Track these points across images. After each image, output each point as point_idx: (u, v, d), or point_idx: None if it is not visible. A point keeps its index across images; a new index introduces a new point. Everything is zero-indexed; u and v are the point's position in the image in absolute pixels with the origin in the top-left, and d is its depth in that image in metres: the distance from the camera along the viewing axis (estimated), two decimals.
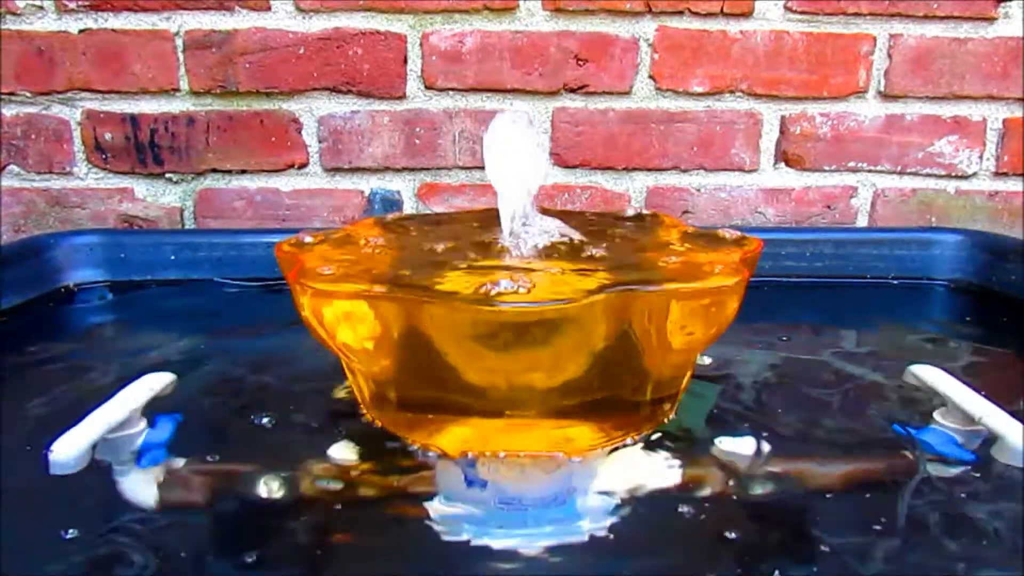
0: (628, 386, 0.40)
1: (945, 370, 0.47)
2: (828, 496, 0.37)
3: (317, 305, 0.39)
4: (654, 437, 0.41)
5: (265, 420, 0.44)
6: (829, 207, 0.83)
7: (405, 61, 0.77)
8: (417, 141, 0.79)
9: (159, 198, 0.80)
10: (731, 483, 0.37)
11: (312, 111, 0.78)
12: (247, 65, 0.76)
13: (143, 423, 0.42)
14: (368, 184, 0.81)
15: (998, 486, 0.37)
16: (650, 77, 0.79)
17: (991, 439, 0.40)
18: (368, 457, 0.40)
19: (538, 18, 0.77)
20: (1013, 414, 0.40)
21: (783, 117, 0.80)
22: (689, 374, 0.44)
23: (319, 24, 0.76)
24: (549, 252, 0.44)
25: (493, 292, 0.35)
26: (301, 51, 0.76)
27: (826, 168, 0.82)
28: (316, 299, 0.38)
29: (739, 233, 0.47)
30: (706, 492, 0.37)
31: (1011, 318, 0.66)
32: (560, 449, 0.39)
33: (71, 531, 0.33)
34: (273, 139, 0.79)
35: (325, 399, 0.47)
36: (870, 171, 0.82)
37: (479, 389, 0.38)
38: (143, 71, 0.76)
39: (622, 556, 0.32)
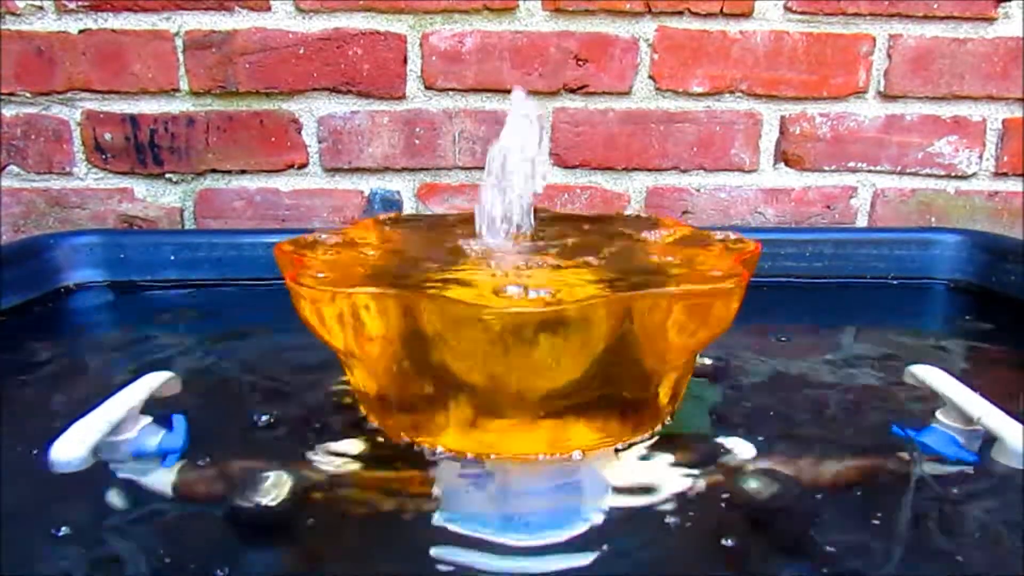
0: (628, 387, 0.40)
1: (944, 370, 0.47)
2: (828, 496, 0.37)
3: (316, 306, 0.39)
4: (654, 437, 0.41)
5: (264, 420, 0.44)
6: (829, 207, 0.83)
7: (405, 61, 0.77)
8: (417, 141, 0.79)
9: (159, 198, 0.80)
10: (731, 483, 0.37)
11: (312, 111, 0.78)
12: (247, 65, 0.76)
13: (146, 423, 0.42)
14: (368, 184, 0.81)
15: (998, 486, 0.37)
16: (650, 77, 0.79)
17: (990, 439, 0.40)
18: (367, 457, 0.40)
19: (538, 18, 0.77)
20: (1012, 414, 0.40)
21: (783, 117, 0.80)
22: (689, 374, 0.44)
23: (319, 24, 0.76)
24: (548, 254, 0.44)
25: (496, 292, 0.35)
26: (301, 51, 0.76)
27: (826, 168, 0.82)
28: (315, 300, 0.38)
29: (739, 234, 0.47)
30: (706, 492, 0.37)
31: (1010, 318, 0.66)
32: (560, 449, 0.39)
33: (66, 530, 0.33)
34: (273, 139, 0.79)
35: (325, 399, 0.47)
36: (870, 171, 0.82)
37: (479, 389, 0.38)
38: (143, 71, 0.76)
39: (622, 556, 0.32)
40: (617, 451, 0.40)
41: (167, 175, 0.80)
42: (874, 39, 0.78)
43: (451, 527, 0.34)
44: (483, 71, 0.77)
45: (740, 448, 0.40)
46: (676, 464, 0.39)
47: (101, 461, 0.38)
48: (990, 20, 0.78)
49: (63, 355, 0.57)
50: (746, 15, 0.77)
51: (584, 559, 0.32)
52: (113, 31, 0.75)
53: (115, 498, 0.36)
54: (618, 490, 0.37)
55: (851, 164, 0.82)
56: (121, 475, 0.37)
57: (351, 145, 0.79)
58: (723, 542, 0.33)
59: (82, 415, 0.40)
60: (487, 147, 0.79)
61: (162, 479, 0.37)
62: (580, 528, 0.34)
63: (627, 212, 0.82)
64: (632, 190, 0.82)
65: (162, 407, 0.44)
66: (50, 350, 0.57)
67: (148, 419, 0.42)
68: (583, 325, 0.36)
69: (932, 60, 0.79)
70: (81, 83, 0.76)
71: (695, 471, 0.38)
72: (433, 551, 0.32)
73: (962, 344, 0.59)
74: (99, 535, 0.33)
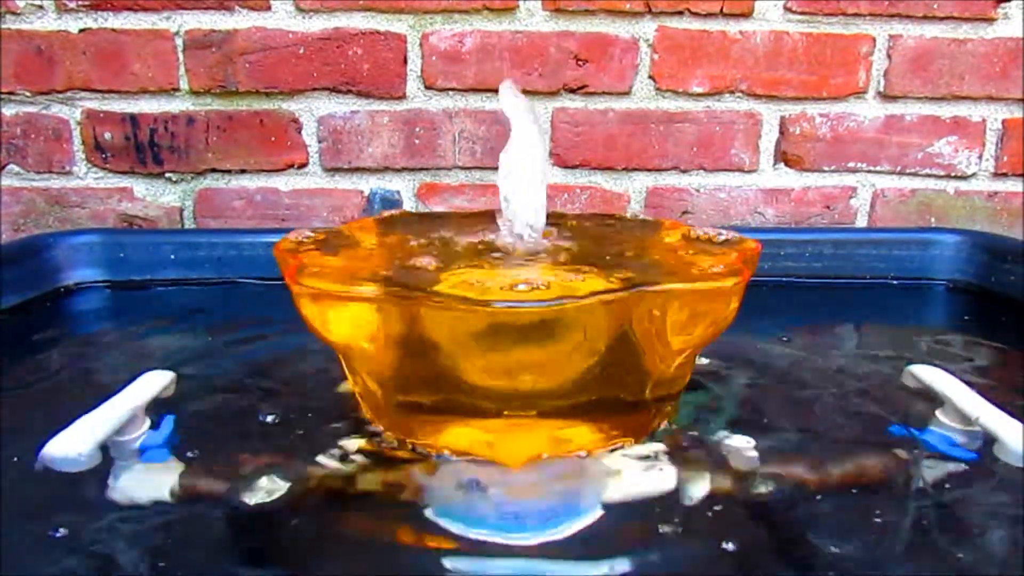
0: (628, 386, 0.40)
1: (944, 370, 0.47)
2: (827, 496, 0.37)
3: (316, 305, 0.39)
4: (654, 437, 0.41)
5: (264, 420, 0.44)
6: (828, 207, 0.83)
7: (405, 61, 0.77)
8: (417, 141, 0.79)
9: (159, 198, 0.80)
10: (731, 483, 0.37)
11: (312, 111, 0.78)
12: (247, 65, 0.76)
13: (146, 422, 0.42)
14: (368, 184, 0.81)
15: (997, 486, 0.37)
16: (650, 77, 0.79)
17: (990, 439, 0.40)
18: (367, 457, 0.40)
19: (538, 18, 0.77)
20: (1012, 414, 0.40)
21: (782, 117, 0.80)
22: (689, 374, 0.44)
23: (319, 24, 0.76)
24: (548, 254, 0.44)
25: (496, 291, 0.35)
26: (301, 51, 0.76)
27: (825, 168, 0.82)
28: (315, 299, 0.38)
29: (738, 235, 0.47)
30: (706, 492, 0.37)
31: (1010, 318, 0.66)
32: (560, 449, 0.39)
33: (63, 530, 0.33)
34: (273, 139, 0.79)
35: (325, 399, 0.47)
36: (869, 171, 0.82)
37: (479, 389, 0.38)
38: (143, 71, 0.76)
39: (621, 556, 0.32)
40: (617, 451, 0.40)
41: (167, 174, 0.80)
42: (874, 39, 0.78)
43: (451, 527, 0.34)
44: (483, 71, 0.77)
45: (740, 448, 0.40)
46: (676, 464, 0.39)
47: (100, 461, 0.38)
48: (990, 20, 0.78)
49: (63, 355, 0.57)
50: (746, 15, 0.77)
51: (584, 559, 0.32)
52: (113, 30, 0.75)
53: (114, 498, 0.36)
54: (618, 491, 0.37)
55: (851, 164, 0.82)
56: (120, 474, 0.37)
57: (351, 145, 0.79)
58: (723, 542, 0.33)
59: (82, 415, 0.40)
60: (487, 147, 0.79)
61: (161, 479, 0.37)
62: (580, 529, 0.34)
63: (626, 212, 0.82)
64: (632, 190, 0.82)
65: (162, 407, 0.44)
66: (50, 350, 0.57)
67: (146, 419, 0.42)
68: (582, 325, 0.36)
69: (932, 60, 0.79)
70: (81, 82, 0.76)
71: (695, 471, 0.38)
72: (433, 552, 0.32)
73: (962, 344, 0.59)
74: (97, 535, 0.33)
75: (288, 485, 0.37)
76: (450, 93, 0.78)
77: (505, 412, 0.39)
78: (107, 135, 0.78)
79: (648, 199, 0.82)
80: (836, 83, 0.79)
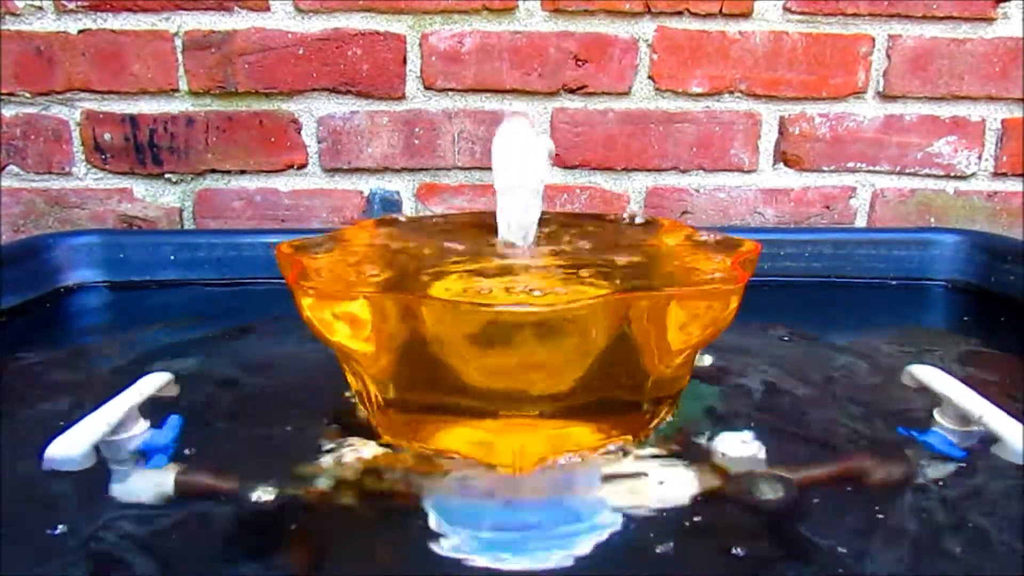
0: (627, 387, 0.40)
1: (944, 370, 0.47)
2: (827, 496, 0.37)
3: (317, 306, 0.39)
4: (653, 438, 0.41)
5: (264, 420, 0.44)
6: (828, 207, 0.83)
7: (404, 61, 0.77)
8: (416, 141, 0.80)
9: (158, 198, 0.80)
10: (730, 483, 0.37)
11: (311, 111, 0.78)
12: (246, 65, 0.76)
13: (145, 423, 0.42)
14: (367, 184, 0.81)
15: (997, 487, 0.37)
16: (649, 78, 0.79)
17: (990, 439, 0.40)
18: (367, 458, 0.40)
19: (537, 18, 0.77)
20: (1012, 414, 0.40)
21: (782, 118, 0.80)
22: (688, 375, 0.44)
23: (318, 24, 0.76)
24: (548, 254, 0.44)
25: (495, 292, 0.35)
26: (300, 51, 0.76)
27: (825, 168, 0.82)
28: (316, 300, 0.38)
29: (737, 236, 0.47)
30: (705, 492, 0.37)
31: (1009, 318, 0.66)
32: (560, 450, 0.39)
33: (63, 527, 0.33)
34: (272, 139, 0.79)
35: (325, 400, 0.47)
36: (869, 171, 0.82)
37: (478, 390, 0.38)
38: (142, 71, 0.76)
39: (620, 556, 0.32)
40: (617, 452, 0.40)
41: (166, 175, 0.80)
42: (873, 39, 0.78)
43: (451, 528, 0.34)
44: (483, 71, 0.77)
45: (739, 448, 0.40)
46: (676, 465, 0.39)
47: (100, 461, 0.38)
48: (989, 20, 0.78)
49: (63, 355, 0.57)
50: (745, 15, 0.77)
51: (583, 560, 0.32)
52: (112, 31, 0.75)
53: (113, 498, 0.36)
54: (618, 491, 0.37)
55: (850, 164, 0.82)
56: (119, 475, 0.37)
57: (350, 145, 0.79)
58: (722, 543, 0.33)
59: (82, 415, 0.40)
60: (487, 147, 0.79)
61: (160, 480, 0.37)
62: (579, 530, 0.34)
63: (625, 213, 0.82)
64: (631, 190, 0.82)
65: (161, 408, 0.44)
66: (50, 350, 0.57)
67: (146, 421, 0.42)
68: (581, 326, 0.36)
69: (931, 60, 0.79)
70: (81, 83, 0.76)
71: (695, 472, 0.38)
72: (432, 552, 0.32)
73: (961, 344, 0.59)
74: (96, 535, 0.33)
75: (287, 486, 0.37)
76: (449, 93, 0.78)
77: (504, 413, 0.39)
78: (107, 136, 0.78)
79: (648, 199, 0.82)
80: (835, 83, 0.79)
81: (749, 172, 0.82)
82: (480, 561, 0.32)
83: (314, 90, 0.78)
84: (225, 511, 0.35)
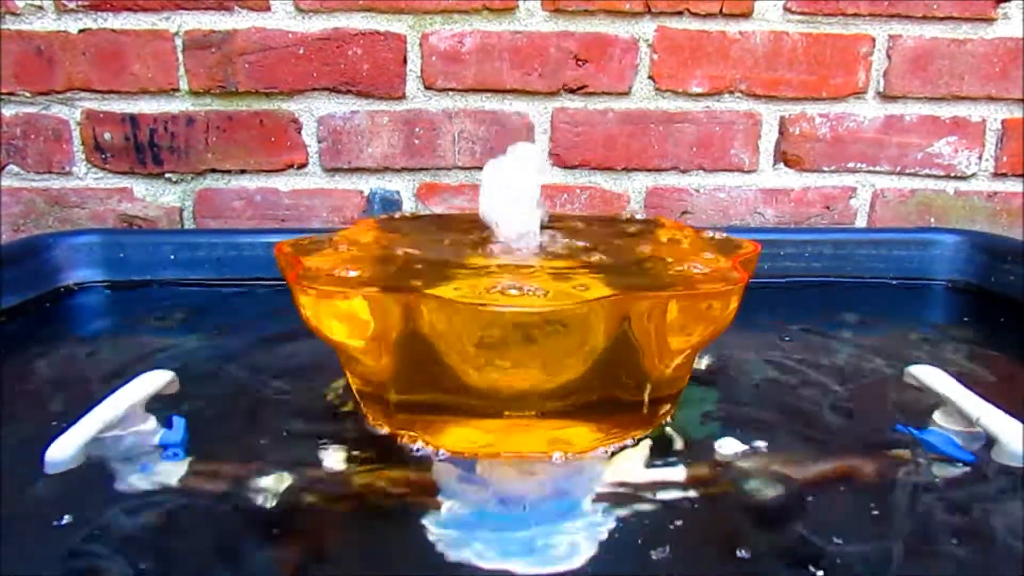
0: (627, 387, 0.40)
1: (944, 370, 0.47)
2: (827, 497, 0.37)
3: (317, 305, 0.39)
4: (653, 438, 0.41)
5: (264, 420, 0.44)
6: (828, 208, 0.83)
7: (405, 61, 0.77)
8: (416, 141, 0.80)
9: (158, 198, 0.80)
10: (731, 484, 0.37)
11: (312, 111, 0.78)
12: (247, 65, 0.76)
13: (150, 422, 0.42)
14: (367, 184, 0.81)
15: (997, 487, 0.37)
16: (649, 78, 0.79)
17: (990, 440, 0.40)
18: (367, 457, 0.40)
19: (538, 18, 0.77)
20: (1012, 414, 0.40)
21: (782, 118, 0.80)
22: (688, 375, 0.44)
23: (318, 24, 0.76)
24: (548, 255, 0.44)
25: (495, 292, 0.35)
26: (301, 51, 0.76)
27: (825, 169, 0.82)
28: (316, 300, 0.38)
29: (737, 236, 0.47)
30: (704, 493, 0.37)
31: (1010, 318, 0.66)
32: (559, 450, 0.39)
33: (64, 520, 0.33)
34: (272, 139, 0.79)
35: (325, 399, 0.47)
36: (869, 172, 0.82)
37: (478, 390, 0.38)
38: (142, 71, 0.76)
39: (620, 556, 0.32)
40: (616, 452, 0.40)
41: (167, 175, 0.80)
42: (873, 39, 0.78)
43: (450, 527, 0.34)
44: (483, 71, 0.77)
45: (739, 449, 0.40)
46: (675, 465, 0.39)
47: (99, 460, 0.38)
48: (989, 21, 0.78)
49: (63, 355, 0.57)
50: (745, 15, 0.77)
51: (583, 560, 0.32)
52: (113, 31, 0.75)
53: (114, 497, 0.36)
54: (617, 491, 0.37)
55: (850, 164, 0.82)
56: (119, 474, 0.37)
57: (351, 145, 0.79)
58: (721, 543, 0.33)
59: (82, 415, 0.40)
60: (487, 147, 0.79)
61: (160, 479, 0.37)
62: (577, 529, 0.34)
63: (626, 213, 0.82)
64: (631, 190, 0.82)
65: (162, 407, 0.44)
66: (50, 350, 0.57)
67: (151, 417, 0.42)
68: (582, 326, 0.36)
69: (931, 61, 0.79)
70: (81, 83, 0.76)
71: (695, 472, 0.38)
72: (432, 551, 0.32)
73: (962, 344, 0.59)
74: (97, 534, 0.33)
75: (288, 485, 0.37)
76: (450, 93, 0.78)
77: (505, 412, 0.39)
78: (107, 135, 0.78)
79: (648, 199, 0.82)
80: (836, 83, 0.79)
81: (749, 172, 0.82)
82: (480, 561, 0.32)
83: (314, 90, 0.78)
84: (225, 511, 0.35)
